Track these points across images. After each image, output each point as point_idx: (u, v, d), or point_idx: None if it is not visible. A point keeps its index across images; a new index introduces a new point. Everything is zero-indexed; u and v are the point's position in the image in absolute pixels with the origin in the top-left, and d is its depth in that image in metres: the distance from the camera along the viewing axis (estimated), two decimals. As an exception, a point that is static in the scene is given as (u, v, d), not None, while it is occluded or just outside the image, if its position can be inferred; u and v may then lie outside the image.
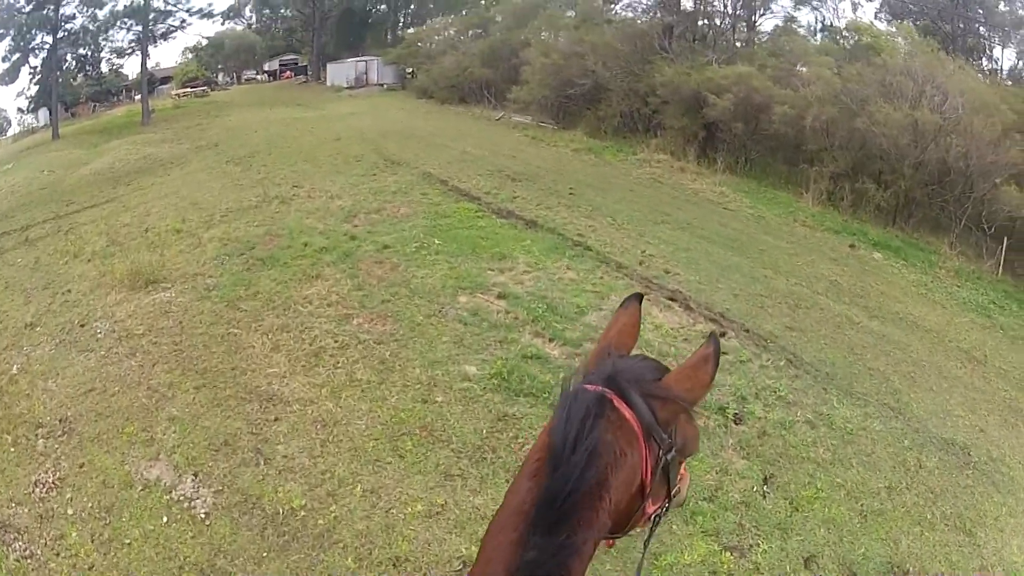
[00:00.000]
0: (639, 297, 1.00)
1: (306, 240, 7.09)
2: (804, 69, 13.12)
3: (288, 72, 25.32)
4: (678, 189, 11.77)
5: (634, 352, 0.96)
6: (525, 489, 0.74)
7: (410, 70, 20.97)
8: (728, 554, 3.74)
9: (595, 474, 0.74)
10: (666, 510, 0.96)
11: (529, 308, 5.71)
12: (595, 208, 9.21)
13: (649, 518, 0.92)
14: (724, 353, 5.59)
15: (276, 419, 4.17)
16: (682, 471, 0.95)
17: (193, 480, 3.63)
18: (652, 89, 13.96)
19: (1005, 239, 10.60)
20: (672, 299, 6.37)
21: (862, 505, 4.66)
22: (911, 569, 4.36)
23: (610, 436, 0.76)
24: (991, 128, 10.23)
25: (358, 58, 22.26)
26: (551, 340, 5.30)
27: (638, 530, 0.90)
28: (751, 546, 3.95)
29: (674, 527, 3.65)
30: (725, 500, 3.72)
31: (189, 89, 22.21)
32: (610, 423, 0.77)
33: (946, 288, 9.52)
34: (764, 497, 4.34)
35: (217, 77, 24.83)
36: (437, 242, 6.98)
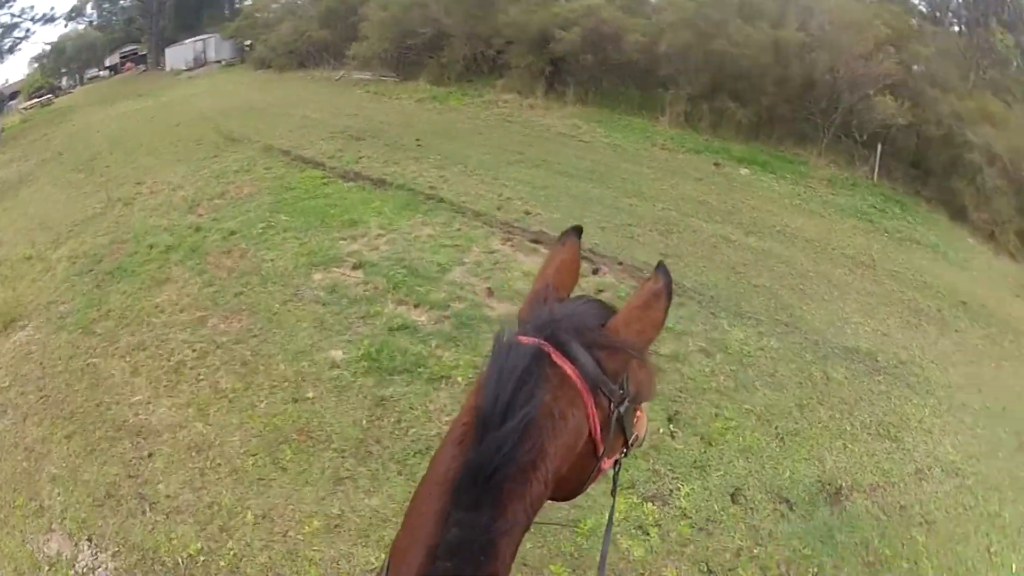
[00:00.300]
0: (578, 230, 1.39)
1: (151, 241, 9.72)
2: (655, -2, 20.85)
3: (128, 64, 34.16)
4: (529, 127, 17.47)
5: (575, 293, 1.33)
6: (450, 457, 1.03)
7: (248, 42, 29.23)
8: (650, 504, 5.30)
9: (530, 443, 1.01)
10: (625, 455, 1.38)
11: (388, 275, 8.14)
12: (445, 157, 13.30)
13: (604, 472, 1.31)
14: (600, 291, 7.98)
15: (150, 455, 5.74)
16: (639, 415, 1.36)
17: (89, 546, 4.94)
18: (497, 30, 20.59)
19: (879, 145, 16.48)
20: (536, 241, 9.17)
21: (776, 428, 6.71)
22: (843, 485, 6.27)
23: (548, 397, 1.06)
24: (862, 43, 16.15)
25: (196, 38, 30.45)
26: (416, 306, 7.59)
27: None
28: (671, 491, 5.59)
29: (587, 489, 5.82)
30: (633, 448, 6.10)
31: (35, 100, 29.54)
32: (548, 382, 1.07)
33: (821, 197, 14.69)
34: (673, 437, 6.14)
35: (61, 82, 33.05)
36: (284, 218, 9.92)
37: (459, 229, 9.65)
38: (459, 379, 6.45)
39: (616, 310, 1.28)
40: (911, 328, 10.21)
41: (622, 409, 1.23)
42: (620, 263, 9.08)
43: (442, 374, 6.52)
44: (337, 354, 6.73)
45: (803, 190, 15.27)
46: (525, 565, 4.84)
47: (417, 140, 14.70)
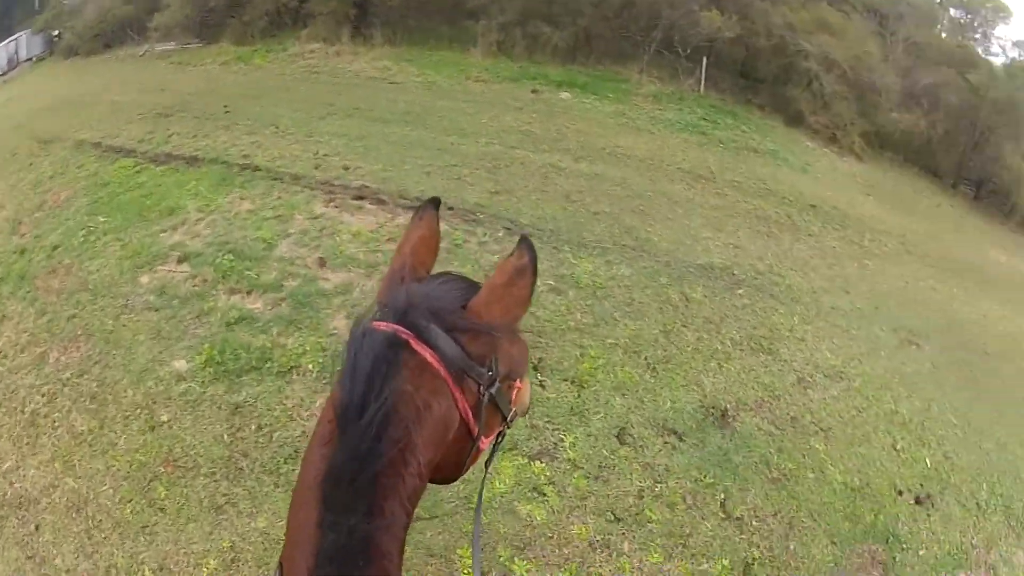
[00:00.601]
0: (435, 202, 1.73)
1: (-24, 278, 10.35)
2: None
3: (-65, 81, 36.99)
4: (337, 75, 20.76)
5: (435, 271, 1.66)
6: (318, 458, 1.34)
7: (56, 33, 35.55)
8: (538, 463, 6.62)
9: (393, 438, 1.32)
10: (508, 427, 1.78)
11: (214, 263, 9.41)
12: (254, 120, 15.50)
13: (483, 451, 1.70)
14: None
15: (37, 527, 6.67)
16: (518, 387, 1.73)
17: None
18: None
19: (704, 58, 21.17)
20: (360, 197, 11.03)
21: (646, 358, 8.34)
22: (728, 406, 8.03)
23: (409, 387, 1.37)
24: None
25: (7, 40, 36.21)
26: (249, 293, 8.89)
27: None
28: (556, 444, 6.96)
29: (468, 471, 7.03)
30: (503, 408, 7.34)
31: None
32: (407, 371, 1.38)
33: (648, 114, 18.31)
34: (543, 387, 7.55)
35: None
36: (102, 219, 11.42)
37: (279, 197, 11.27)
38: (310, 366, 7.56)
39: (477, 286, 1.60)
40: (763, 237, 12.96)
41: (492, 391, 1.55)
42: (451, 208, 10.75)
43: (291, 364, 7.62)
44: (180, 364, 7.85)
45: (628, 108, 18.64)
46: (432, 556, 5.85)
47: (225, 107, 16.96)
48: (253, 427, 7.07)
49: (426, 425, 1.40)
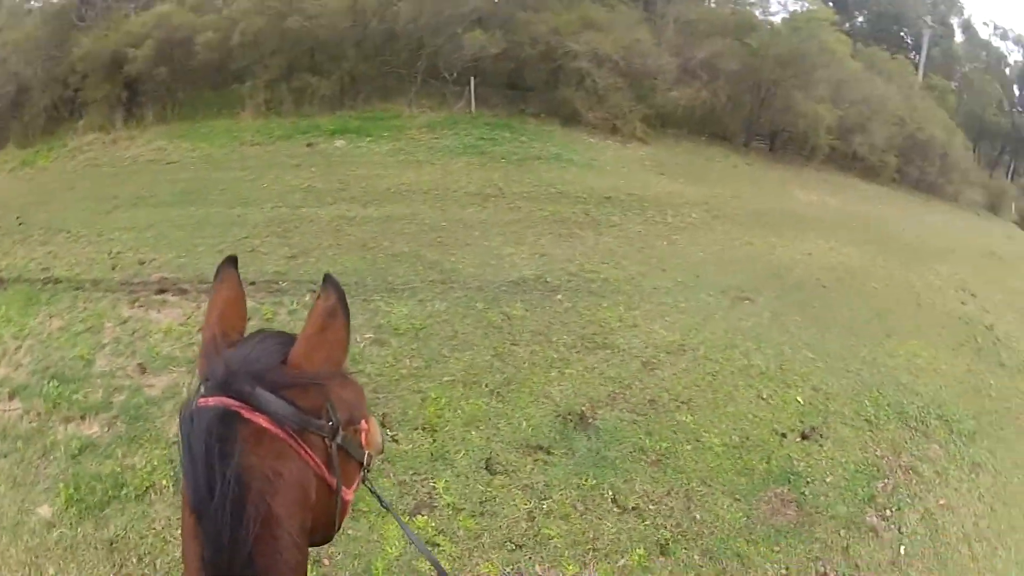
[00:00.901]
0: (233, 261, 1.78)
1: None
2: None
3: None
4: (116, 164, 20.72)
5: (248, 332, 1.72)
6: (193, 554, 1.39)
7: None
8: (420, 516, 6.93)
9: (253, 516, 1.35)
10: (367, 473, 1.87)
11: (43, 393, 9.20)
12: (46, 228, 15.28)
13: (351, 502, 1.75)
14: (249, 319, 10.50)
15: None
16: (365, 428, 1.80)
17: None
18: (72, 68, 24.78)
19: (472, 79, 22.46)
20: (162, 291, 11.05)
21: (486, 386, 8.89)
22: (583, 409, 8.49)
23: (253, 460, 1.40)
24: None
25: None
26: (83, 418, 8.71)
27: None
28: (430, 493, 7.28)
29: (350, 531, 6.58)
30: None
31: None
32: (246, 443, 1.40)
33: (425, 145, 19.29)
34: (396, 441, 7.83)
35: None
36: None
37: (85, 308, 11.17)
38: (163, 482, 7.53)
39: (293, 339, 1.64)
40: (566, 240, 13.66)
41: (339, 440, 1.60)
42: (252, 283, 11.05)
43: (145, 485, 7.51)
44: (45, 511, 7.61)
45: (405, 144, 19.48)
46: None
47: (18, 219, 16.69)
48: (134, 559, 7.02)
49: (282, 493, 1.45)
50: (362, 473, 1.87)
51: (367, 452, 1.85)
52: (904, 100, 31.83)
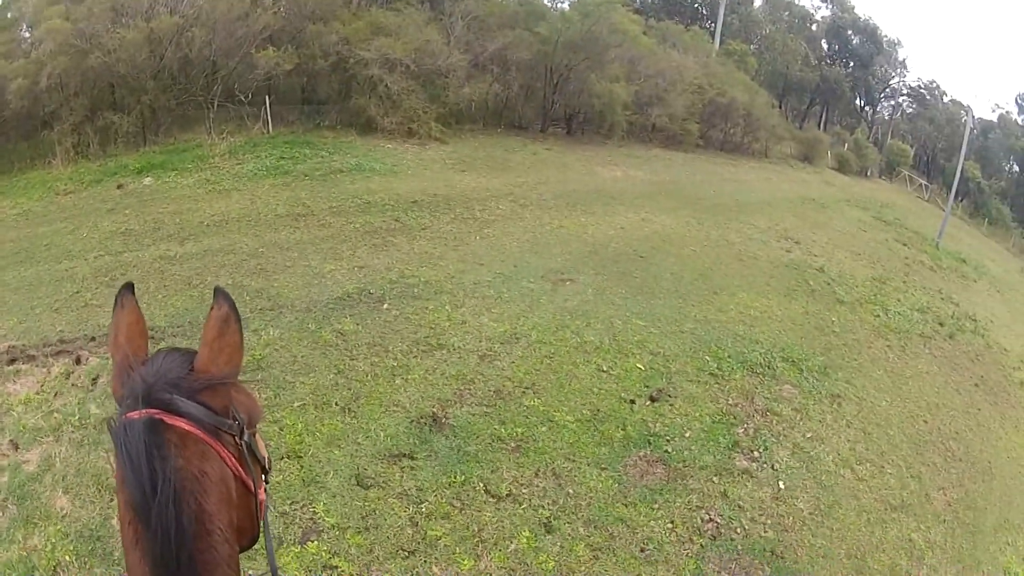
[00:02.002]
0: (130, 287, 1.96)
1: None
2: (29, 32, 25.22)
3: None
4: None
5: (151, 351, 1.91)
6: (138, 560, 1.54)
7: None
8: (310, 543, 7.22)
9: (189, 513, 1.54)
10: (267, 480, 2.11)
11: None
12: None
13: (264, 503, 1.98)
14: (95, 378, 9.96)
15: None
16: (256, 437, 2.01)
17: None
18: None
19: (267, 98, 22.91)
20: (12, 360, 10.85)
21: (336, 403, 9.37)
22: (434, 410, 8.99)
23: (182, 461, 1.60)
24: (239, 5, 23.16)
25: None
26: None
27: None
28: (312, 519, 7.57)
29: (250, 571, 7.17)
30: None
31: None
32: (174, 446, 1.61)
33: (229, 172, 19.59)
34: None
35: None
36: None
37: None
38: (66, 557, 7.58)
39: (194, 352, 1.87)
40: (381, 249, 14.14)
41: (247, 439, 1.84)
42: (93, 339, 11.16)
43: (52, 564, 7.50)
44: None
45: (209, 174, 19.66)
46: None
47: None
48: None
49: (210, 491, 1.65)
50: (265, 480, 2.12)
51: (267, 456, 2.14)
52: (702, 68, 33.79)
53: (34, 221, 18.55)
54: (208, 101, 23.16)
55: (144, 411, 1.66)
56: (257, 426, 2.07)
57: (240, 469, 1.85)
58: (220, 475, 1.74)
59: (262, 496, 2.03)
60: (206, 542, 1.61)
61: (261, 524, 2.06)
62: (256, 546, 2.04)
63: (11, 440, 9.49)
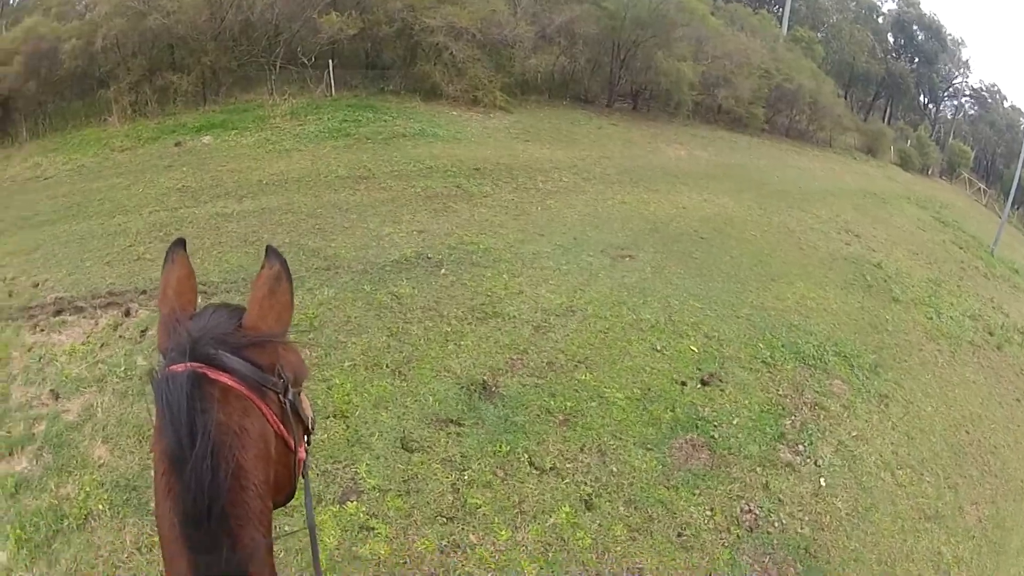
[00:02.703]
0: (182, 243, 1.98)
1: None
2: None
3: None
4: None
5: (200, 306, 1.92)
6: (168, 511, 1.54)
7: None
8: (350, 503, 7.24)
9: (226, 467, 1.55)
10: (310, 441, 2.12)
11: None
12: None
13: (304, 460, 2.00)
14: (143, 331, 10.07)
15: None
16: (302, 396, 2.04)
17: None
18: None
19: (330, 61, 22.98)
20: (60, 311, 11.06)
21: (387, 366, 9.23)
22: (484, 378, 8.90)
23: (222, 415, 1.61)
24: None
25: None
26: (11, 454, 8.65)
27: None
28: (354, 479, 7.52)
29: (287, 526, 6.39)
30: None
31: None
32: (216, 401, 1.62)
33: (290, 133, 19.74)
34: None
35: None
36: None
37: None
38: (100, 507, 7.64)
39: (243, 308, 1.87)
40: (441, 214, 14.10)
41: (291, 397, 1.86)
42: (143, 292, 11.26)
43: (84, 513, 7.59)
44: (1, 557, 7.62)
45: (270, 134, 19.76)
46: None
47: None
48: None
49: (249, 447, 1.66)
50: (308, 436, 2.13)
51: (311, 416, 2.15)
52: (769, 52, 33.33)
53: (87, 177, 18.83)
54: (270, 63, 23.55)
55: (188, 364, 1.68)
56: (303, 385, 2.11)
57: (282, 427, 1.86)
58: (260, 432, 1.76)
59: (302, 455, 2.06)
60: (239, 497, 1.62)
61: (299, 482, 2.09)
62: (293, 502, 2.10)
63: (51, 390, 9.53)
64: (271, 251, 1.92)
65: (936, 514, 8.92)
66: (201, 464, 1.56)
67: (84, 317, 11.01)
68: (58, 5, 26.42)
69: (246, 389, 1.73)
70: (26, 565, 7.54)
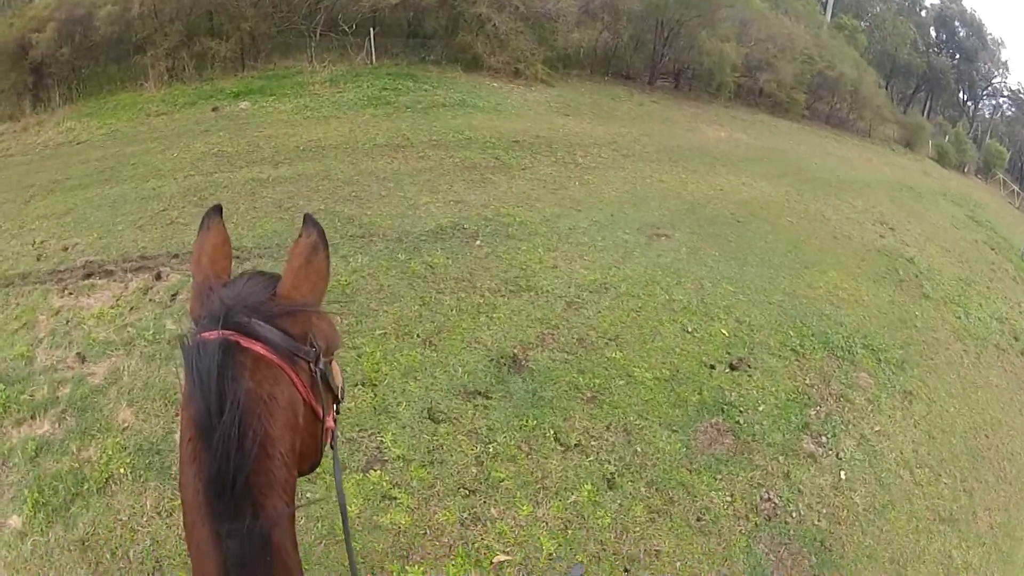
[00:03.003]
0: (218, 209, 2.00)
1: None
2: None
3: None
4: (29, 151, 20.49)
5: (235, 273, 1.93)
6: (193, 477, 1.57)
7: None
8: (373, 472, 7.12)
9: (253, 435, 1.57)
10: (339, 409, 2.15)
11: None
12: None
13: (332, 430, 2.03)
14: (174, 295, 10.15)
15: None
16: (333, 365, 2.05)
17: None
18: None
19: (371, 30, 23.04)
20: (89, 275, 11.10)
21: (418, 336, 9.21)
22: (514, 352, 8.93)
23: (252, 384, 1.63)
24: None
25: None
26: (33, 417, 8.74)
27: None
28: (379, 448, 7.54)
29: (308, 494, 7.54)
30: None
31: None
32: (246, 369, 1.64)
33: (329, 100, 19.80)
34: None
35: None
36: None
37: (17, 304, 11.08)
38: (121, 470, 7.72)
39: (278, 276, 1.89)
40: (479, 185, 14.16)
41: (321, 366, 1.88)
42: (175, 255, 11.29)
43: (104, 476, 7.64)
44: (15, 521, 7.67)
45: (309, 100, 19.83)
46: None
47: None
48: (107, 556, 7.16)
49: (277, 415, 1.69)
50: (336, 405, 2.16)
51: (340, 385, 2.17)
52: (812, 38, 33.21)
53: (122, 141, 18.97)
54: (310, 30, 23.68)
55: (220, 332, 1.70)
56: (334, 354, 2.12)
57: (311, 396, 1.89)
58: (289, 400, 1.79)
59: (330, 424, 2.08)
60: (264, 465, 1.65)
61: (326, 450, 2.12)
62: (320, 470, 2.14)
63: (78, 353, 9.62)
64: (309, 219, 1.93)
65: (950, 517, 8.91)
66: (229, 432, 1.59)
67: (114, 281, 11.13)
68: (92, -28, 25.32)
69: (277, 358, 1.75)
70: (42, 529, 7.64)
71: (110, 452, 7.91)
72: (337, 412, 2.24)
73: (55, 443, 8.39)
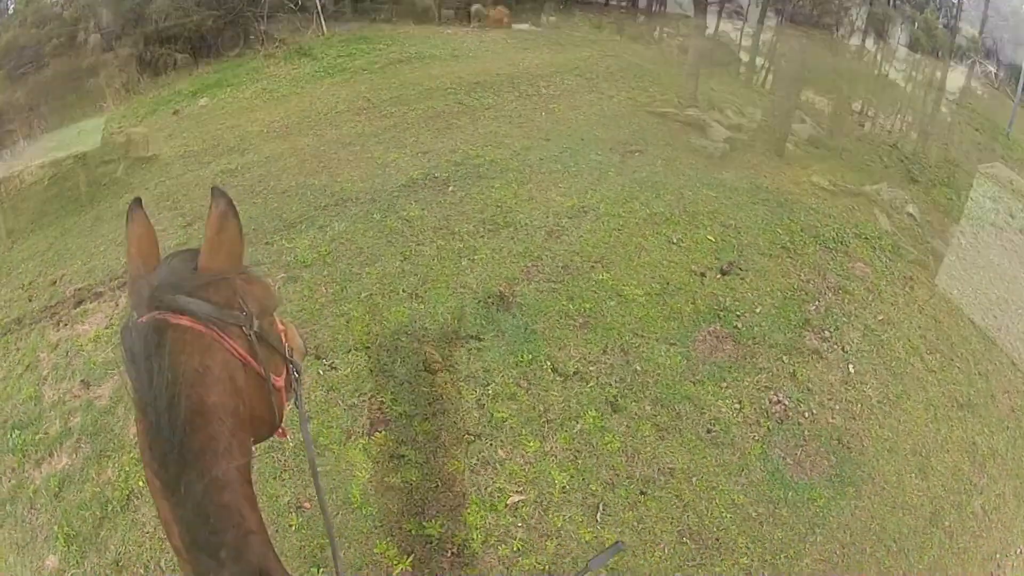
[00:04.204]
0: (138, 201, 2.12)
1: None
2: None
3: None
4: (4, 200, 18.96)
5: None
6: (143, 453, 1.67)
7: None
8: (378, 433, 7.21)
9: (188, 404, 1.63)
10: (298, 373, 2.22)
11: (10, 447, 9.14)
12: None
13: (290, 387, 2.13)
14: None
15: None
16: (280, 328, 2.13)
17: None
18: None
19: (317, 2, 22.65)
20: (80, 302, 11.07)
21: (403, 290, 9.10)
22: (500, 289, 8.88)
23: (183, 357, 1.70)
24: None
25: None
26: (51, 454, 8.82)
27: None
28: (380, 408, 7.54)
29: (320, 468, 7.02)
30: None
31: None
32: (175, 343, 1.70)
33: (286, 78, 20.05)
34: (336, 369, 7.75)
35: None
36: None
37: (17, 349, 11.20)
38: (139, 484, 7.81)
39: (198, 251, 2.00)
40: (444, 132, 14.30)
41: (256, 328, 1.96)
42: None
43: (126, 495, 7.79)
44: (52, 561, 7.75)
45: (266, 83, 19.98)
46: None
47: None
48: (141, 570, 7.31)
49: (212, 383, 1.77)
50: (290, 369, 2.25)
51: (288, 346, 2.23)
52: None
53: (90, 164, 18.87)
54: (257, 15, 23.24)
55: (150, 315, 1.82)
56: (273, 315, 2.22)
57: (249, 357, 1.95)
58: (224, 365, 1.86)
59: (279, 383, 2.12)
60: (205, 433, 1.71)
61: (282, 412, 2.18)
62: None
63: (82, 380, 9.72)
64: (216, 191, 2.00)
65: (968, 402, 8.75)
66: (160, 400, 1.68)
67: (105, 301, 11.17)
68: (33, 14, 25.85)
69: (205, 328, 1.84)
70: (77, 561, 7.71)
71: (127, 468, 8.04)
72: (298, 372, 2.32)
73: (75, 473, 8.50)
